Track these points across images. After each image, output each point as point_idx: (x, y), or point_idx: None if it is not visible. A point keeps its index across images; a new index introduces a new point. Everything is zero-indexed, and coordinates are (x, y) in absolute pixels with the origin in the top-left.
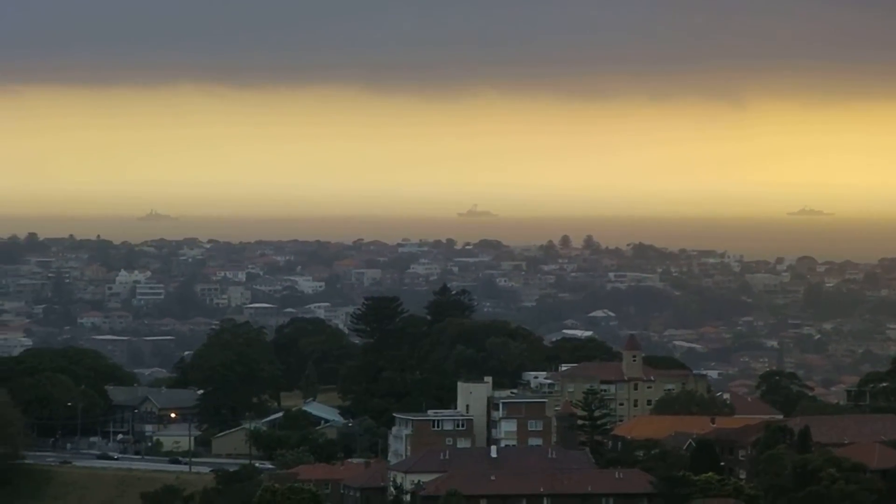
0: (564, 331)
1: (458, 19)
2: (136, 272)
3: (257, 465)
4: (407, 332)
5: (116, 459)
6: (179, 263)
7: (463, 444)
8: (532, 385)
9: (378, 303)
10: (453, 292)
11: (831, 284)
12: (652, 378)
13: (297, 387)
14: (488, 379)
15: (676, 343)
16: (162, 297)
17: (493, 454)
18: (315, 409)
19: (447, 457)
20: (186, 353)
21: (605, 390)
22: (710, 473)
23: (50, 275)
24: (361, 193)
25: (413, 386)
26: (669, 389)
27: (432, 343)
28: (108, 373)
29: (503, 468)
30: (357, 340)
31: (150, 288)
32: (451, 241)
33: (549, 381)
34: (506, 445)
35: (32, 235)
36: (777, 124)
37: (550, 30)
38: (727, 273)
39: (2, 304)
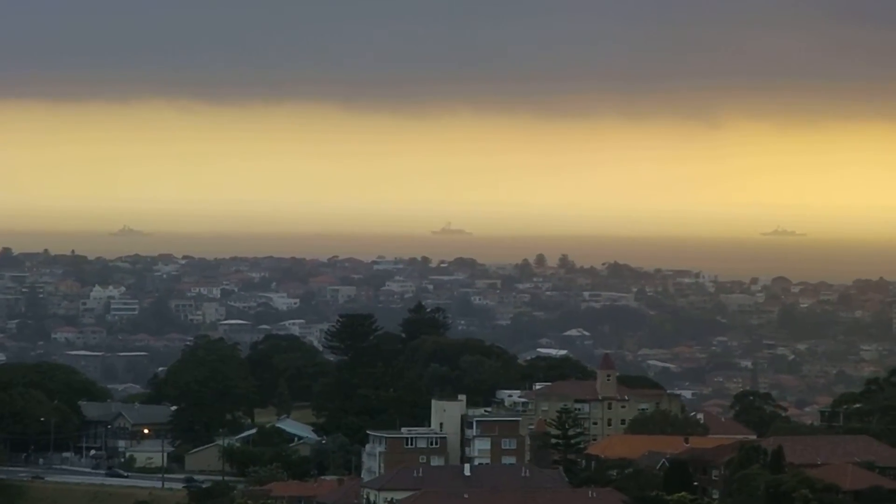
0: (539, 349)
1: (434, 37)
2: (111, 287)
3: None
4: (381, 350)
5: (126, 477)
6: (154, 279)
7: (436, 461)
8: (506, 403)
9: (352, 320)
10: (428, 310)
11: (806, 305)
12: (626, 397)
13: (271, 403)
14: (462, 397)
15: (651, 363)
16: (136, 312)
17: (467, 472)
18: (289, 425)
19: (420, 474)
20: (160, 369)
21: (578, 409)
22: (683, 493)
23: (24, 289)
24: (336, 210)
25: (387, 403)
26: (643, 409)
27: (407, 361)
28: (82, 388)
29: (476, 486)
30: (331, 357)
31: (125, 303)
32: (426, 259)
33: (523, 400)
34: (479, 464)
35: (7, 250)
36: (750, 144)
37: (525, 48)
38: (702, 293)
39: None
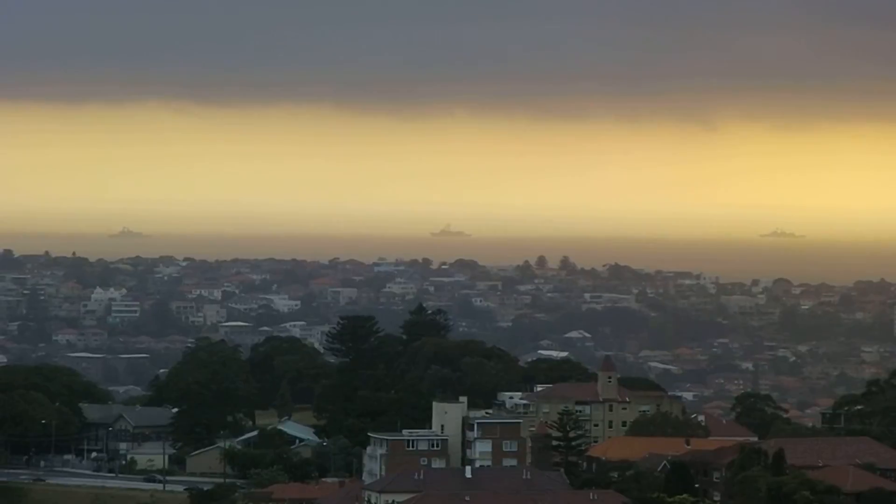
0: (540, 351)
1: (431, 38)
2: (112, 289)
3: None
4: (382, 352)
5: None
6: (155, 281)
7: (437, 464)
8: (507, 405)
9: (353, 322)
10: (429, 312)
11: (807, 307)
12: (627, 399)
13: (272, 406)
14: (463, 399)
15: (652, 364)
16: (137, 314)
17: (468, 474)
18: (290, 428)
19: (422, 477)
20: (161, 371)
21: (580, 411)
22: (684, 495)
23: (25, 291)
24: (337, 212)
25: (388, 405)
26: (644, 411)
27: (408, 363)
28: (83, 390)
29: (478, 489)
30: (332, 359)
31: (126, 305)
32: (427, 261)
33: (524, 402)
34: (480, 466)
35: (8, 252)
36: (747, 146)
37: (523, 49)
38: (703, 295)
39: None
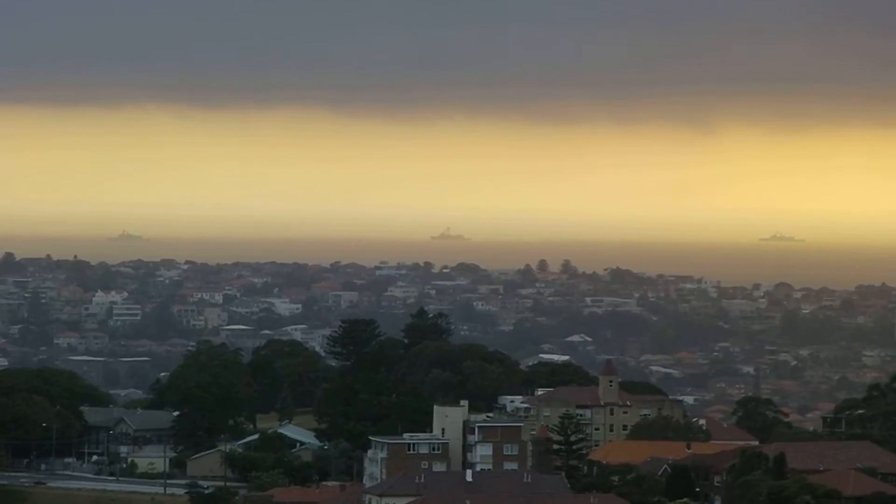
0: (541, 355)
1: (428, 42)
2: (113, 293)
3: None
4: (383, 355)
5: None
6: (156, 284)
7: (438, 467)
8: (508, 409)
9: (355, 325)
10: (430, 315)
11: (808, 311)
12: (628, 403)
13: (273, 409)
14: (464, 402)
15: (653, 368)
16: (138, 318)
17: (469, 478)
18: (291, 431)
19: (422, 480)
20: (162, 374)
21: (581, 415)
22: (685, 499)
23: (26, 295)
24: (339, 216)
25: (389, 409)
26: (645, 415)
27: (409, 366)
28: (84, 394)
29: (478, 492)
30: (333, 363)
31: (127, 309)
32: (428, 265)
33: (525, 406)
34: (481, 469)
35: (9, 255)
36: (744, 150)
37: (520, 54)
38: (704, 299)
39: None
